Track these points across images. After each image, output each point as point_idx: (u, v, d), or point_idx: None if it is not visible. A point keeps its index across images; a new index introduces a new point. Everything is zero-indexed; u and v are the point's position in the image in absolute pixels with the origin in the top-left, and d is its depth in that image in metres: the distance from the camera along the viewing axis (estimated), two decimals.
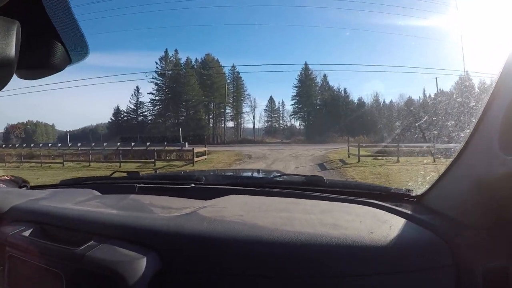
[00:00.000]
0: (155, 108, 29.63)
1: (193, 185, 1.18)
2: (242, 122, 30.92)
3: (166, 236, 0.76)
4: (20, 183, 1.29)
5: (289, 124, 31.06)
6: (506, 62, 0.67)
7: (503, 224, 0.78)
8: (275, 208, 0.95)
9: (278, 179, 1.37)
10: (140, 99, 29.54)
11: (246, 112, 31.33)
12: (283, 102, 32.05)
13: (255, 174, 1.77)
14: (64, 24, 0.41)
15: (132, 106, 29.39)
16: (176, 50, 29.15)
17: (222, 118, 30.32)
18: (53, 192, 1.20)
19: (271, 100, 31.81)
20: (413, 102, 23.21)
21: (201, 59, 30.05)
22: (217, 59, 30.44)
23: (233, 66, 30.99)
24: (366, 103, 27.27)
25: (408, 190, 1.07)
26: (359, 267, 0.71)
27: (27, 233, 0.84)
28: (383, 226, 0.81)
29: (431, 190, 0.96)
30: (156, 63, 29.13)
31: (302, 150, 15.24)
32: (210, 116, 29.50)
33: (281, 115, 31.98)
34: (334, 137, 22.62)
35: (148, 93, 29.51)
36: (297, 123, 31.10)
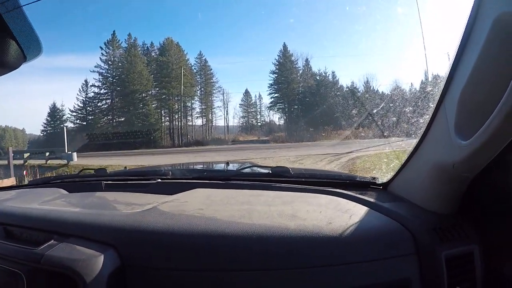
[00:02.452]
0: (99, 104, 23.58)
1: (159, 180, 1.22)
2: (213, 118, 25.72)
3: (123, 233, 0.77)
4: None
5: (267, 120, 26.35)
6: (458, 46, 0.69)
7: (466, 210, 0.85)
8: (237, 201, 0.98)
9: (244, 171, 1.44)
10: (90, 94, 24.38)
11: (218, 107, 27.14)
12: (260, 96, 28.04)
13: (223, 167, 1.78)
14: (17, 22, 0.41)
15: (80, 104, 24.13)
16: (129, 34, 23.37)
17: (189, 114, 25.02)
18: (20, 192, 1.27)
19: (246, 93, 27.32)
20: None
21: (160, 43, 25.31)
22: (177, 42, 24.93)
23: (200, 53, 25.50)
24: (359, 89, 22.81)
25: (374, 178, 1.13)
26: (319, 258, 0.72)
27: None
28: (343, 215, 0.83)
29: (395, 177, 1.01)
30: (101, 48, 23.79)
31: (282, 156, 10.48)
32: (165, 112, 24.65)
33: (258, 109, 27.71)
34: (327, 130, 18.75)
35: (91, 85, 24.02)
36: (276, 118, 26.14)
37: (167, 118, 24.72)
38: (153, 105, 23.94)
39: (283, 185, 1.11)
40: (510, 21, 0.55)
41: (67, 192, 1.19)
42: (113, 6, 28.98)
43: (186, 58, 25.85)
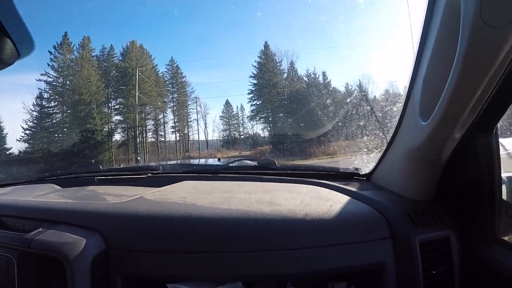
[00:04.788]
0: (46, 120, 19.44)
1: (150, 174, 1.28)
2: (189, 132, 21.94)
3: (108, 219, 0.82)
4: None
5: (251, 132, 22.53)
6: (421, 32, 0.70)
7: (443, 197, 0.89)
8: (219, 190, 1.01)
9: (232, 164, 1.49)
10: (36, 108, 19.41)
11: (195, 120, 22.59)
12: (242, 107, 23.57)
13: (213, 162, 1.94)
14: (9, 17, 0.42)
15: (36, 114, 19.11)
16: (87, 37, 19.36)
17: (161, 128, 21.25)
18: (15, 188, 1.33)
19: (227, 104, 23.05)
20: None
21: (123, 47, 20.98)
22: (141, 44, 21.14)
23: (172, 60, 21.84)
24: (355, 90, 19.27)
25: (357, 169, 1.17)
26: (293, 241, 0.75)
27: None
28: (320, 202, 0.87)
29: (377, 167, 1.06)
30: (50, 53, 19.16)
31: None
32: (123, 127, 20.24)
33: (241, 121, 23.28)
34: (324, 142, 15.07)
35: (36, 97, 19.25)
36: (260, 129, 22.30)
37: (130, 133, 20.81)
38: (105, 119, 19.76)
39: (268, 177, 1.17)
40: (457, 5, 0.57)
41: (60, 188, 1.23)
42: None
43: (154, 64, 22.24)
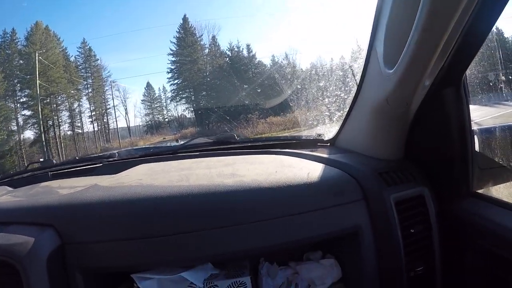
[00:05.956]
0: None
1: (105, 162, 1.21)
2: (108, 121, 20.09)
3: (60, 212, 0.76)
4: None
5: (176, 115, 21.02)
6: None
7: (413, 155, 0.86)
8: (177, 169, 0.97)
9: (190, 143, 1.38)
10: None
11: (114, 106, 20.72)
12: (164, 88, 21.56)
13: (172, 144, 1.89)
14: None
15: None
16: None
17: (78, 120, 19.27)
18: None
19: (148, 86, 21.05)
20: None
21: (28, 31, 18.15)
22: (47, 26, 18.73)
23: (84, 42, 19.41)
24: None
25: (320, 135, 1.14)
26: (260, 213, 0.72)
27: None
28: (284, 169, 0.83)
29: (341, 130, 1.02)
30: None
31: None
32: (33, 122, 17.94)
33: (164, 104, 21.50)
34: (252, 119, 15.14)
35: None
36: (184, 110, 20.80)
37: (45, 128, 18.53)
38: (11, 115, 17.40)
39: (229, 151, 1.15)
40: None
41: (12, 188, 1.13)
42: None
43: (63, 47, 19.76)
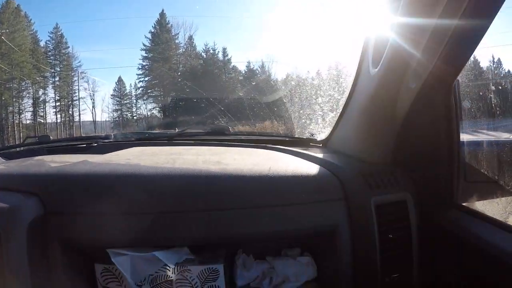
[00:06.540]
0: None
1: (101, 142, 1.23)
2: (73, 113, 19.26)
3: (46, 182, 0.77)
4: None
5: (146, 113, 20.25)
6: None
7: (401, 160, 0.86)
8: (167, 153, 0.99)
9: (186, 131, 1.43)
10: None
11: (82, 98, 20.01)
12: (136, 84, 20.72)
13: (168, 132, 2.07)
14: None
15: None
16: None
17: (41, 109, 18.56)
18: None
19: (119, 81, 20.21)
20: None
21: None
22: (18, 5, 17.96)
23: (56, 26, 18.51)
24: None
25: (312, 135, 1.16)
26: (239, 200, 0.73)
27: None
28: (271, 162, 0.84)
29: (333, 132, 1.03)
30: None
31: None
32: None
33: (134, 101, 20.69)
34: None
35: None
36: (153, 108, 20.01)
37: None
38: None
39: (221, 142, 1.19)
40: None
41: (6, 159, 1.15)
42: None
43: (33, 30, 18.81)
